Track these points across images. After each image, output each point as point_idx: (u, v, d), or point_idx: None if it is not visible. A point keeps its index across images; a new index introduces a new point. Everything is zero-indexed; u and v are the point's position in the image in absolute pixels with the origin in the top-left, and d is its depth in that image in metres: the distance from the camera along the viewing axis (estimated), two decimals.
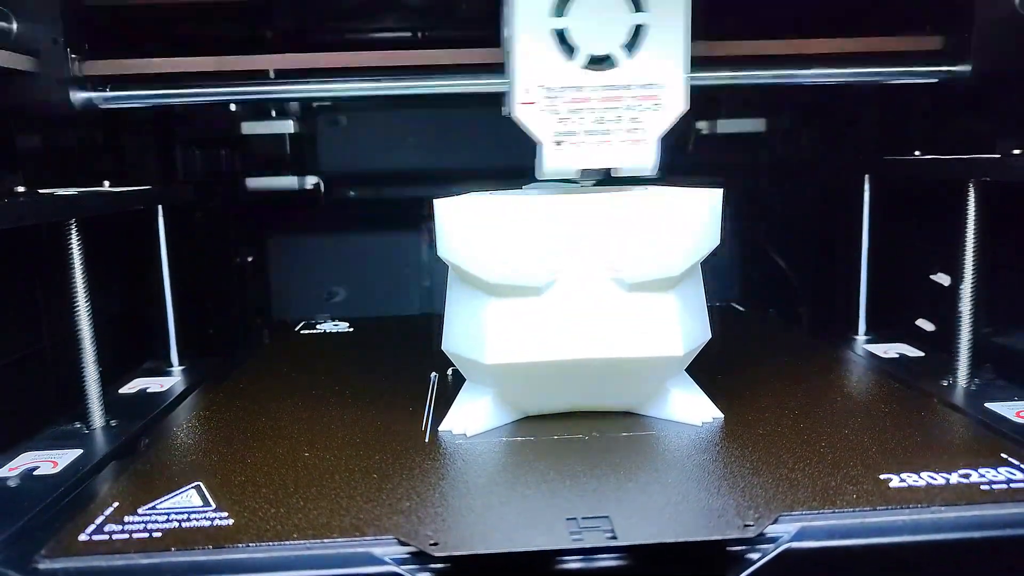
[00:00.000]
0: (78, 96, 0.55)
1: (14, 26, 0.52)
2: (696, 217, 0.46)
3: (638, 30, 0.50)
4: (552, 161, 0.50)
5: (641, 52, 0.50)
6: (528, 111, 0.50)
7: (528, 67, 0.50)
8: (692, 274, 0.48)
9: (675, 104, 0.50)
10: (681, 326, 0.46)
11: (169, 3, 0.61)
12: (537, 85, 0.50)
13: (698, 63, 0.52)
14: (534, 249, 0.44)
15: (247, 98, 0.63)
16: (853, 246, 0.71)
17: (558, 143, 0.50)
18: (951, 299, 0.57)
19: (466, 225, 0.45)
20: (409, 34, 0.80)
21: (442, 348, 0.50)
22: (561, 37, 0.50)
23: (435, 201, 0.47)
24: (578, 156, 0.51)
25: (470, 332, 0.47)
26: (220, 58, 0.57)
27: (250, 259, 0.89)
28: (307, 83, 0.62)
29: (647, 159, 0.50)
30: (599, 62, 0.50)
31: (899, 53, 0.62)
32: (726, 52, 0.60)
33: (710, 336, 0.50)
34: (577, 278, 0.45)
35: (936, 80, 0.61)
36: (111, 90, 0.57)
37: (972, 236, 0.55)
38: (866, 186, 0.70)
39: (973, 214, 0.55)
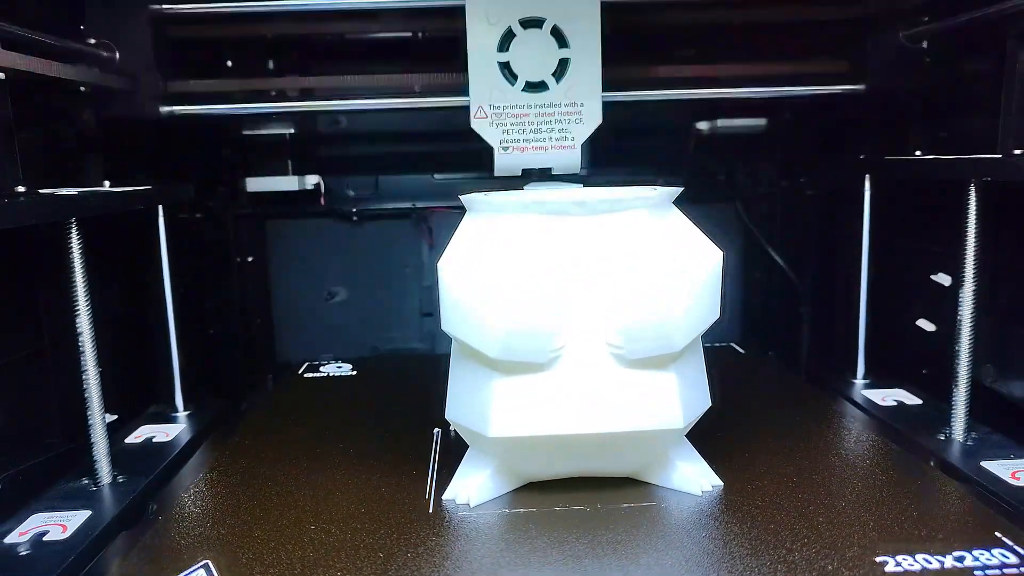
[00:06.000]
0: (165, 109, 0.69)
1: (117, 55, 0.67)
2: (697, 296, 0.46)
3: (563, 62, 0.64)
4: (501, 162, 0.66)
5: (566, 79, 0.65)
6: (481, 124, 0.65)
7: (480, 91, 0.65)
8: (692, 344, 0.49)
9: (593, 118, 0.65)
10: (681, 399, 0.47)
11: (223, 37, 0.77)
12: (487, 104, 0.65)
13: (629, 85, 0.68)
14: (538, 330, 0.45)
15: (282, 110, 0.82)
16: (853, 268, 0.72)
17: (505, 148, 0.65)
18: (952, 301, 0.57)
19: (470, 301, 0.46)
20: (409, 34, 0.81)
21: (446, 417, 0.51)
22: (505, 67, 0.64)
23: (440, 273, 0.47)
24: (521, 159, 0.65)
25: (474, 404, 0.48)
26: (263, 79, 0.80)
27: (250, 259, 0.89)
28: (325, 102, 0.76)
29: (574, 160, 0.66)
30: (535, 87, 0.65)
31: (814, 74, 0.73)
32: (654, 75, 0.72)
33: (710, 404, 0.50)
34: (579, 354, 0.46)
35: (840, 93, 0.72)
36: (190, 104, 0.70)
37: (973, 237, 0.56)
38: (867, 186, 0.70)
39: (974, 215, 0.55)
